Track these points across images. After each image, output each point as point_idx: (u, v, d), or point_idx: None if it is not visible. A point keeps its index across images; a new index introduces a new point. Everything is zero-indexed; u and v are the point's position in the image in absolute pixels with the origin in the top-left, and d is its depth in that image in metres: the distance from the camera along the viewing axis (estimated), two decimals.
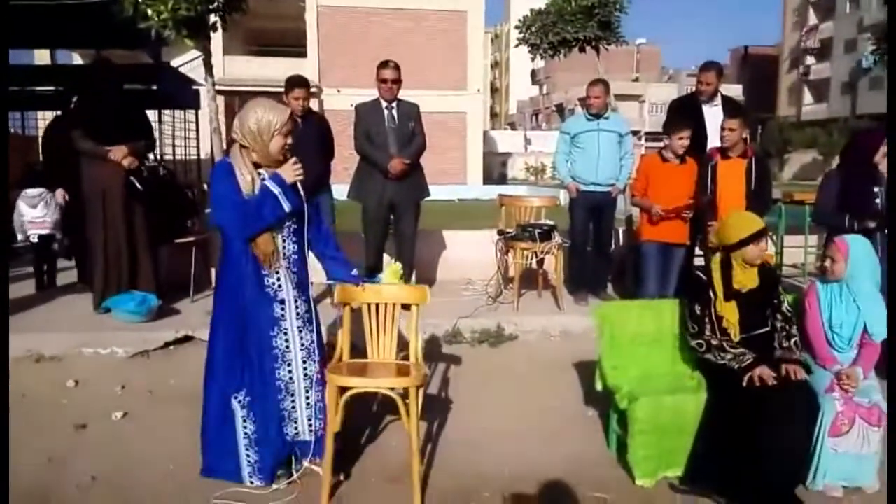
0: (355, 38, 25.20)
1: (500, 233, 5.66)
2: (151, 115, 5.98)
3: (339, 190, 5.48)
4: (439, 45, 25.98)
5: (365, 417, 3.63)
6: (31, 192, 5.65)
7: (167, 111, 14.45)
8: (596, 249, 5.69)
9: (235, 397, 2.93)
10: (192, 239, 5.51)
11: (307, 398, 3.04)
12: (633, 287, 5.53)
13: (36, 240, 5.73)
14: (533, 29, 20.45)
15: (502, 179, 35.20)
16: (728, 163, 4.67)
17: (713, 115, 5.29)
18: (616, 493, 3.00)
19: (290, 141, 2.88)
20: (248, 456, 2.97)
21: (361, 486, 3.07)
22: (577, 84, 49.65)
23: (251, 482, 2.97)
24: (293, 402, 3.02)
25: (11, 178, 7.15)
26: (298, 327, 3.00)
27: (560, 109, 54.07)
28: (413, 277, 5.71)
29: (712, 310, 3.13)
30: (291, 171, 2.87)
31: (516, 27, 21.49)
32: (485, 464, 3.24)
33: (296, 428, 3.05)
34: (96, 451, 3.33)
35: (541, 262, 5.65)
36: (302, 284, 3.02)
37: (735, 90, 37.47)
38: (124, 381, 4.15)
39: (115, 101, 4.96)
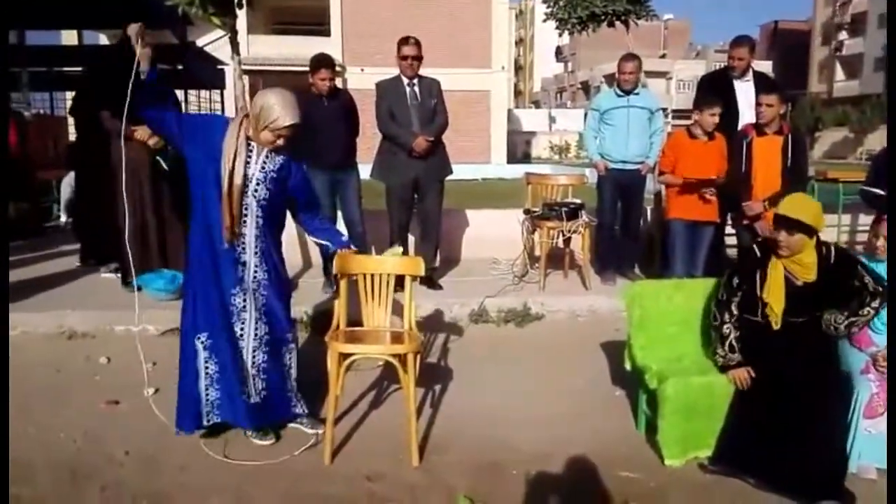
0: (379, 15, 25.02)
1: (527, 212, 5.61)
2: (178, 95, 5.97)
3: (363, 170, 5.47)
4: (463, 23, 25.69)
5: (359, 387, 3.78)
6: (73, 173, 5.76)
7: (193, 91, 14.51)
8: (624, 228, 5.62)
9: (198, 338, 3.05)
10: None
11: (254, 358, 3.14)
12: (662, 266, 5.46)
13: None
14: (561, 3, 20.11)
15: (526, 158, 34.92)
16: (764, 139, 4.57)
17: (745, 91, 5.17)
18: (645, 473, 2.98)
19: (280, 143, 2.99)
20: (207, 394, 3.09)
21: (363, 447, 3.21)
22: (602, 61, 49.03)
23: (208, 420, 3.11)
24: (244, 359, 3.14)
25: (43, 158, 7.22)
26: (254, 289, 3.09)
27: (585, 87, 53.46)
28: (438, 257, 5.70)
29: (757, 290, 3.03)
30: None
31: (543, 1, 21.16)
32: (512, 442, 3.23)
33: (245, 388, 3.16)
34: (129, 426, 3.39)
35: (567, 242, 5.61)
36: (265, 253, 3.10)
37: (765, 66, 36.62)
38: (155, 358, 4.19)
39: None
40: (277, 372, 3.19)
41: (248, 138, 2.97)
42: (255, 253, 3.07)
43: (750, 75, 5.27)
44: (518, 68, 67.44)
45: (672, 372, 3.10)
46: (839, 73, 46.54)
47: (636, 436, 3.35)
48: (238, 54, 4.93)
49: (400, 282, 3.38)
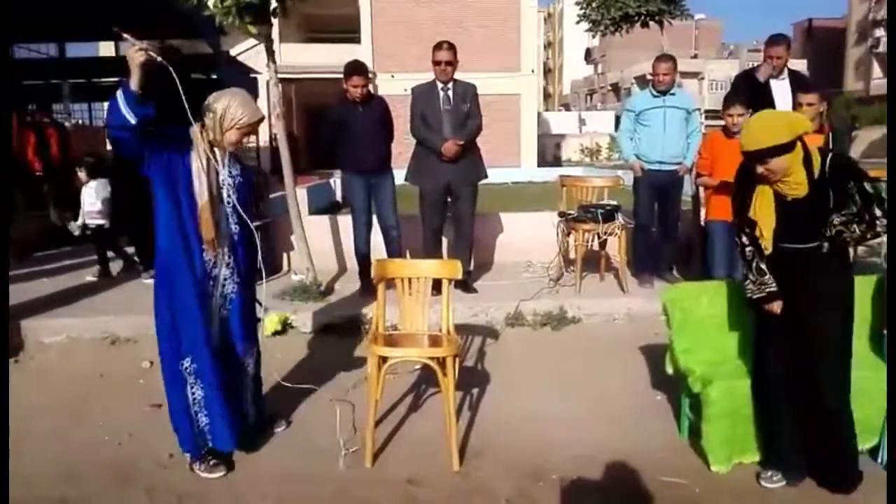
0: (408, 22, 25.15)
1: (562, 214, 5.58)
2: None
3: (398, 175, 5.49)
4: (493, 26, 25.68)
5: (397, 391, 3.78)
6: (92, 183, 5.84)
7: None
8: (661, 230, 5.55)
9: (182, 364, 2.91)
10: (257, 223, 5.59)
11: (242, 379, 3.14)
12: (700, 268, 5.38)
13: (90, 230, 5.94)
14: (594, 4, 19.94)
15: (556, 161, 34.75)
16: (805, 138, 4.46)
17: (781, 89, 5.08)
18: (689, 479, 2.93)
19: (244, 141, 2.98)
20: (198, 421, 2.98)
21: (403, 452, 3.19)
22: (633, 62, 48.64)
23: (204, 449, 3.00)
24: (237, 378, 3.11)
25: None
26: (220, 305, 2.99)
27: (616, 89, 53.04)
28: (472, 260, 5.69)
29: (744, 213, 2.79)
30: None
31: (576, 3, 21.00)
32: (551, 446, 3.21)
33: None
34: (172, 430, 3.42)
35: (603, 244, 5.56)
36: (237, 262, 3.02)
37: (800, 65, 36.02)
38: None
39: (179, 87, 5.05)
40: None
41: (210, 145, 2.90)
42: (227, 264, 2.99)
43: (785, 74, 5.18)
44: (547, 71, 67.20)
45: (716, 375, 3.04)
46: (876, 71, 45.46)
47: (679, 441, 3.29)
48: (274, 62, 4.96)
49: (435, 286, 3.38)
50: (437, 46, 5.19)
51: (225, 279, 2.99)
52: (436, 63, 5.15)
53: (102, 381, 4.12)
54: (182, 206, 2.83)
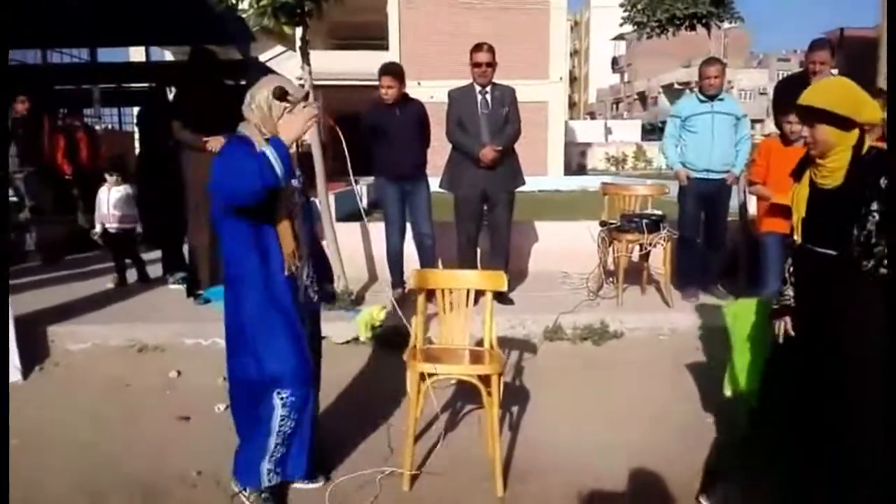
0: (436, 28, 25.10)
1: (603, 223, 5.36)
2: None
3: (433, 182, 5.32)
4: (521, 33, 25.46)
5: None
6: (115, 188, 5.71)
7: None
8: (707, 242, 5.30)
9: (279, 393, 2.60)
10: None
11: None
12: (747, 283, 5.13)
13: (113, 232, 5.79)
14: (639, 6, 19.60)
15: (581, 170, 34.48)
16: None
17: None
18: None
19: (316, 116, 2.67)
20: (273, 454, 2.68)
21: (442, 474, 3.00)
22: (659, 71, 48.23)
23: (269, 481, 2.69)
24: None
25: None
26: (304, 317, 2.72)
27: (642, 97, 52.65)
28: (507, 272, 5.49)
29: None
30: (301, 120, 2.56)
31: (621, 5, 20.68)
32: (595, 470, 3.01)
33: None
34: (200, 444, 3.28)
35: (646, 256, 5.33)
36: (313, 267, 2.78)
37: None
38: (226, 373, 4.11)
39: (214, 91, 4.97)
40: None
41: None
42: (308, 274, 2.74)
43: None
44: (573, 80, 66.96)
45: None
46: None
47: None
48: (308, 64, 4.84)
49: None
50: (477, 48, 5.01)
51: (307, 287, 2.74)
52: (475, 65, 4.97)
53: (128, 391, 3.99)
54: (258, 219, 2.54)
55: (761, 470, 2.66)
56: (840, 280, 2.29)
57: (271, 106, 2.53)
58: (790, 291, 2.47)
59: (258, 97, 2.54)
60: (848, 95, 2.29)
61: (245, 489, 2.73)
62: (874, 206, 2.19)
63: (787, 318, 2.46)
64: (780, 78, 5.60)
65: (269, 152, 2.46)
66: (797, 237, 2.41)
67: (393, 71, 5.10)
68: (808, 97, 2.32)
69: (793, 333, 2.44)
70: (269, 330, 2.58)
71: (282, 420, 2.63)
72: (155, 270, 6.17)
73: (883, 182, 2.18)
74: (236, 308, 2.61)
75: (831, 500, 2.35)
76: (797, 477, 2.44)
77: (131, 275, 5.99)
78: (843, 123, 2.24)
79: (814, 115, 2.27)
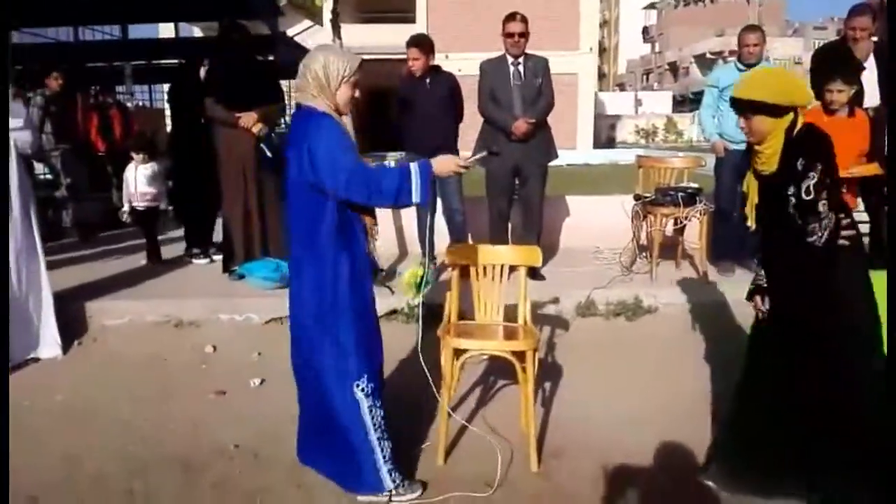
0: (463, 1, 24.73)
1: (637, 197, 5.27)
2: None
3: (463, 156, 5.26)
4: (550, 3, 24.95)
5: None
6: (142, 166, 5.70)
7: (284, 81, 14.72)
8: (743, 216, 5.17)
9: (357, 385, 2.53)
10: None
11: None
12: None
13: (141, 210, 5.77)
14: None
15: (610, 143, 33.93)
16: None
17: (867, 65, 4.65)
18: None
19: (357, 94, 2.53)
20: (382, 450, 2.57)
21: (476, 449, 2.99)
22: (692, 41, 47.09)
23: (394, 481, 2.59)
24: None
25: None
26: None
27: (674, 68, 51.57)
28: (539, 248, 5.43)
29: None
30: (452, 164, 2.59)
31: None
32: (630, 446, 2.99)
33: None
34: (236, 418, 3.32)
35: (681, 230, 5.23)
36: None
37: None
38: (260, 348, 4.16)
39: (246, 66, 4.95)
40: None
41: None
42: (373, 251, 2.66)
43: (871, 55, 4.73)
44: (602, 50, 65.74)
45: None
46: None
47: None
48: (340, 38, 4.79)
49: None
50: (510, 17, 4.91)
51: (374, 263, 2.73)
52: (508, 35, 4.87)
53: (165, 365, 4.04)
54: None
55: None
56: (788, 257, 2.46)
57: (329, 76, 2.45)
58: (762, 273, 2.62)
59: (314, 67, 2.45)
60: (778, 84, 2.42)
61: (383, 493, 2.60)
62: (790, 191, 2.36)
63: (758, 298, 2.61)
64: (816, 47, 5.37)
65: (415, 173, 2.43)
66: (751, 223, 2.59)
67: (420, 42, 5.03)
68: (741, 91, 2.44)
69: (763, 311, 2.59)
70: (356, 316, 2.52)
71: (370, 411, 2.54)
72: (178, 249, 6.14)
73: (800, 164, 2.33)
74: (319, 292, 2.50)
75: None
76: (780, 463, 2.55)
77: (166, 251, 6.02)
78: (775, 110, 2.38)
79: (749, 107, 2.41)
